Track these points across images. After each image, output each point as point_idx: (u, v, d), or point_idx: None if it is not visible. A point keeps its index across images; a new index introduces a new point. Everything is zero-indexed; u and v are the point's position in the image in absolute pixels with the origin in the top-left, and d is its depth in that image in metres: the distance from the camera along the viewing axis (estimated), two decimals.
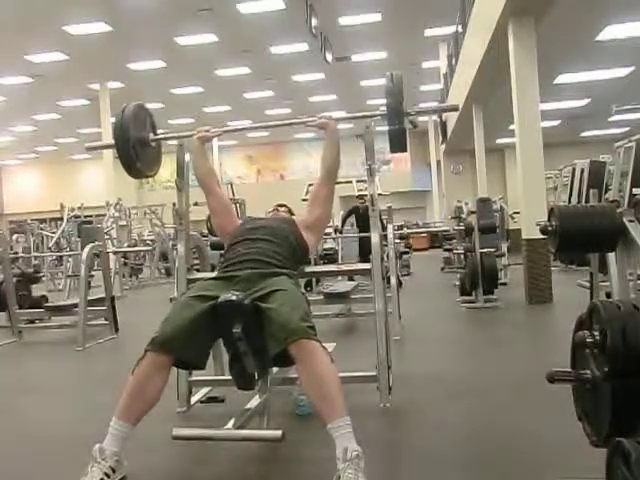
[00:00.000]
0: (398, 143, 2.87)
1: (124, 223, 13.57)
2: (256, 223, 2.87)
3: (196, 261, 3.99)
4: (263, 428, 2.49)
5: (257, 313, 2.24)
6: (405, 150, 2.92)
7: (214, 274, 2.78)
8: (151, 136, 3.10)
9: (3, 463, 2.61)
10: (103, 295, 6.05)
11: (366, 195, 3.53)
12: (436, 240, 17.46)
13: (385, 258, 4.41)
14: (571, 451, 2.22)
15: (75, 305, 5.92)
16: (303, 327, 2.13)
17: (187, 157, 3.28)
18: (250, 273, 2.42)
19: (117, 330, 5.90)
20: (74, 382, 4.33)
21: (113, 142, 2.97)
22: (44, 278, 11.16)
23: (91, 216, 14.58)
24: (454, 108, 3.29)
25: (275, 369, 2.76)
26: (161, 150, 3.25)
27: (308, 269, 3.36)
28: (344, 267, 3.89)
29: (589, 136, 17.95)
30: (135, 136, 2.95)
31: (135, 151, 2.95)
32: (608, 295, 4.19)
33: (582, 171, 10.02)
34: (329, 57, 10.87)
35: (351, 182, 9.85)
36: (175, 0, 10.60)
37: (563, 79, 11.18)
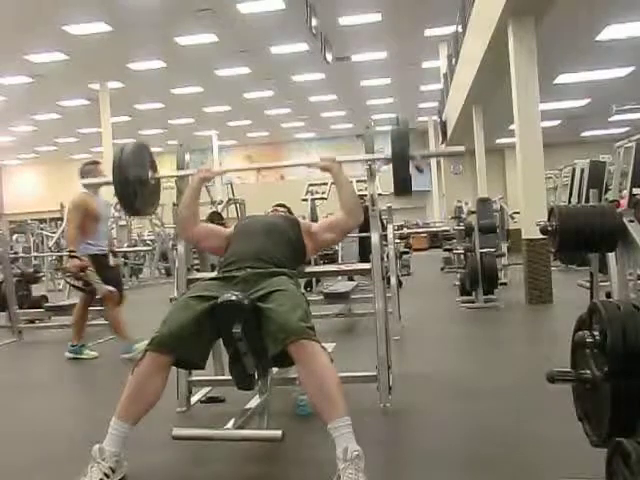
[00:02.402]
0: (403, 188, 2.87)
1: (124, 223, 13.56)
2: (256, 219, 2.89)
3: (196, 261, 3.99)
4: (263, 428, 2.49)
5: (257, 313, 2.24)
6: (410, 194, 2.91)
7: (214, 274, 2.78)
8: (150, 175, 3.03)
9: (3, 463, 2.61)
10: None
11: (366, 195, 3.53)
12: (436, 240, 17.47)
13: (385, 258, 4.41)
14: (571, 451, 2.22)
15: (75, 305, 5.91)
16: (302, 327, 2.13)
17: (187, 157, 3.28)
18: (249, 273, 2.43)
19: None
20: (74, 382, 4.33)
21: (111, 179, 2.88)
22: (44, 278, 11.15)
23: None
24: (459, 152, 3.27)
25: (275, 369, 2.76)
26: (160, 188, 3.18)
27: (308, 269, 3.36)
28: (344, 267, 3.89)
29: (589, 136, 17.96)
30: (134, 175, 2.88)
31: (134, 191, 2.88)
32: (608, 295, 4.19)
33: (582, 171, 10.03)
34: (329, 57, 10.88)
35: (351, 182, 9.84)
36: (175, 0, 10.61)
37: (563, 79, 11.18)
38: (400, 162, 2.79)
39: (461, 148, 3.21)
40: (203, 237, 2.89)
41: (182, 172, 3.19)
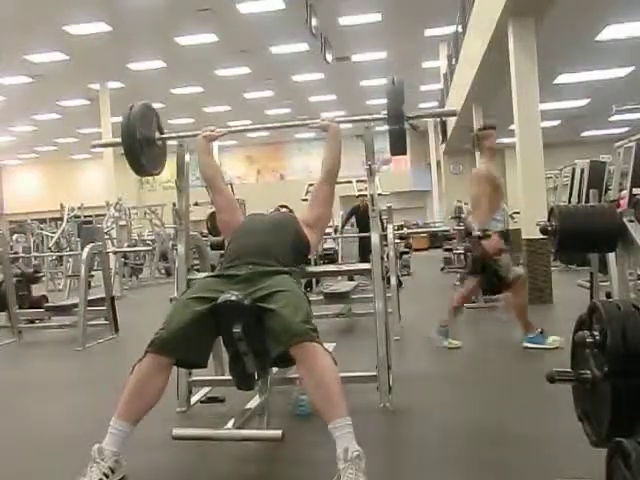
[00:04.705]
0: (398, 145, 2.90)
1: (124, 223, 13.57)
2: (258, 217, 2.91)
3: (196, 261, 3.99)
4: (263, 428, 2.49)
5: (258, 313, 2.24)
6: (405, 152, 2.95)
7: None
8: (157, 135, 3.12)
9: (3, 463, 2.61)
10: (103, 295, 6.05)
11: (365, 195, 3.54)
12: (436, 240, 17.45)
13: (385, 258, 4.40)
14: (571, 451, 2.22)
15: (75, 305, 5.92)
16: (306, 329, 2.12)
17: (187, 157, 3.28)
18: (251, 272, 2.41)
19: (117, 330, 5.90)
20: (74, 382, 4.33)
21: (120, 140, 2.97)
22: (44, 278, 11.15)
23: (91, 216, 14.58)
24: (452, 113, 3.30)
25: (275, 369, 2.76)
26: (166, 150, 3.26)
27: (308, 269, 3.35)
28: (344, 267, 3.89)
29: (589, 136, 17.97)
30: (142, 134, 2.96)
31: (141, 149, 2.96)
32: (608, 295, 4.19)
33: (582, 171, 10.02)
34: (329, 57, 10.87)
35: (351, 182, 9.88)
36: (175, 0, 10.61)
37: (563, 79, 11.19)
38: (395, 120, 2.83)
39: (454, 108, 3.25)
40: (228, 203, 2.97)
41: (186, 133, 3.27)
